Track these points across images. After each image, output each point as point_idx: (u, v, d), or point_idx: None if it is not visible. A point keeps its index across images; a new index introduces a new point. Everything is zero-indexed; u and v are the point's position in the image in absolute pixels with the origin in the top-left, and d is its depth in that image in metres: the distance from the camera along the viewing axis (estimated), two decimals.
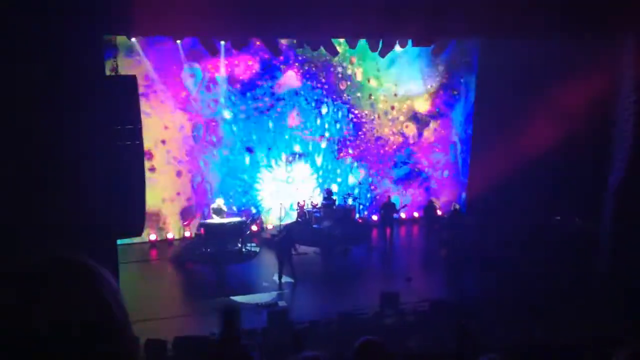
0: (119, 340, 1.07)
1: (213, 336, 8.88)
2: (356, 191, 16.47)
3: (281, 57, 14.87)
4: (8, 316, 0.98)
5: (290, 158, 15.91)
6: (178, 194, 14.76)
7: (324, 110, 16.11)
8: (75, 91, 7.93)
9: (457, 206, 14.89)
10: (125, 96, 9.05)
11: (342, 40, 13.76)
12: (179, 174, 14.73)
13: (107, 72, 9.66)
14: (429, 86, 16.80)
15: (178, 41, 13.29)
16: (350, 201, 16.11)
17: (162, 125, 14.29)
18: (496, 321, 9.32)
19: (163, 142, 14.40)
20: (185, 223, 14.68)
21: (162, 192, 14.47)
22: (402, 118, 16.89)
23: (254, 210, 15.51)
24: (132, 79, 9.28)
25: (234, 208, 15.02)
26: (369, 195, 16.87)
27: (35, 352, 0.97)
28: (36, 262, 1.06)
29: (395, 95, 16.63)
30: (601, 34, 11.20)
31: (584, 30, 10.86)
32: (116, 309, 1.08)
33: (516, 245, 13.18)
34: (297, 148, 15.99)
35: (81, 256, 1.11)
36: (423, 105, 16.96)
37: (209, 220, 13.63)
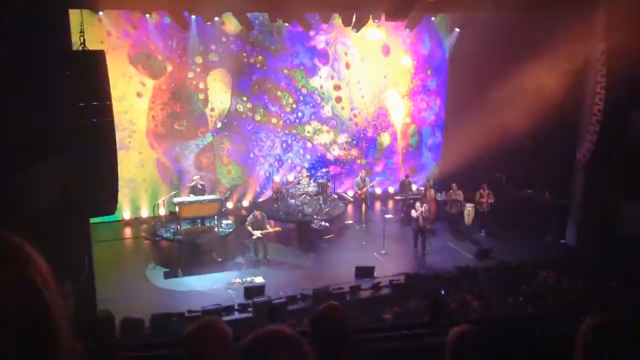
0: (52, 335, 0.93)
1: (190, 313, 8.90)
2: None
3: None
4: None
5: None
6: None
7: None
8: (40, 67, 7.67)
9: (431, 181, 15.03)
10: (93, 72, 8.79)
11: None
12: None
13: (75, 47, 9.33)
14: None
15: (147, 15, 12.92)
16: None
17: None
18: (469, 294, 9.55)
19: None
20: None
21: None
22: None
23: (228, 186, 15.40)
24: (100, 54, 9.01)
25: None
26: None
27: None
28: None
29: None
30: (574, 7, 11.29)
31: (558, 4, 10.95)
32: (49, 297, 0.93)
33: (489, 220, 13.45)
34: None
35: (9, 233, 0.97)
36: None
37: (184, 198, 13.49)
